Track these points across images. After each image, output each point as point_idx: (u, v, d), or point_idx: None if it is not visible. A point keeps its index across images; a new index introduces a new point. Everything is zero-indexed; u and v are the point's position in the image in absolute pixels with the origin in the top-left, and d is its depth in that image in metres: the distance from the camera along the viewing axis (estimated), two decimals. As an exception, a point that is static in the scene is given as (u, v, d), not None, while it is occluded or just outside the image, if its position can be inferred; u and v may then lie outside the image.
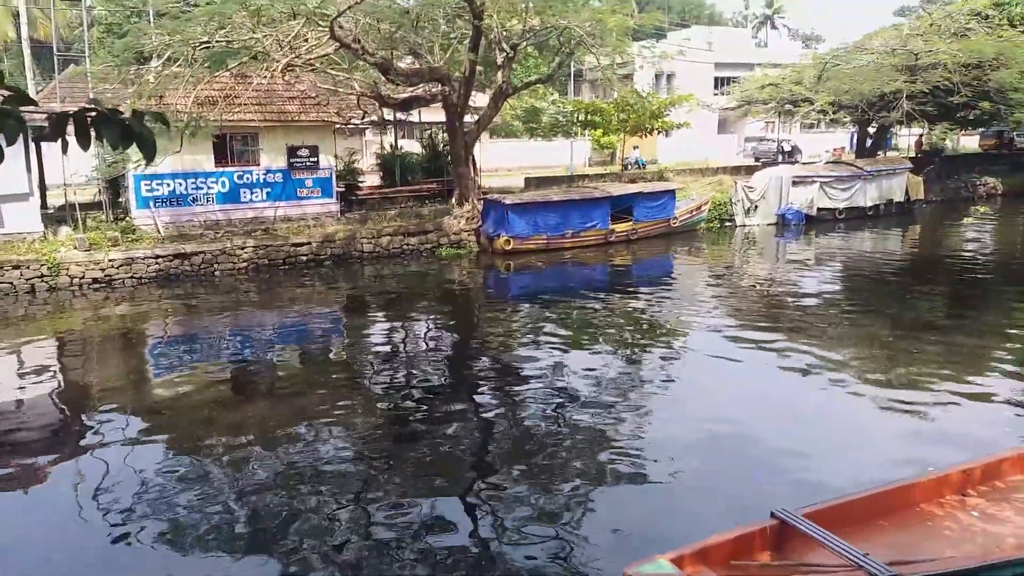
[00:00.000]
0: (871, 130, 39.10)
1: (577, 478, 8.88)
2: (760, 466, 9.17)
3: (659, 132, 35.48)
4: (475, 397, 12.09)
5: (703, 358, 13.95)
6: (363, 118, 28.56)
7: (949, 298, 18.83)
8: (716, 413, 10.85)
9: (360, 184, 28.55)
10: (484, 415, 11.22)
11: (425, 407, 11.65)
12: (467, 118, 26.39)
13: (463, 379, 13.23)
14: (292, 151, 24.23)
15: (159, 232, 21.78)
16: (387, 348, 15.43)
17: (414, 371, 13.51)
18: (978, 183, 39.63)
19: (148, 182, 22.26)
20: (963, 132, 48.62)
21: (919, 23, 36.48)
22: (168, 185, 22.61)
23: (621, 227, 25.49)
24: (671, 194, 26.95)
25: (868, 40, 35.61)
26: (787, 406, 11.36)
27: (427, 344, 15.70)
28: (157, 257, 20.21)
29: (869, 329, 15.72)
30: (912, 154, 41.58)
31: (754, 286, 20.59)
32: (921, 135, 46.03)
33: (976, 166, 41.88)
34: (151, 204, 22.39)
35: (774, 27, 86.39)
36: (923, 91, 31.12)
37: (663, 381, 12.48)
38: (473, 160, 26.09)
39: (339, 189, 25.75)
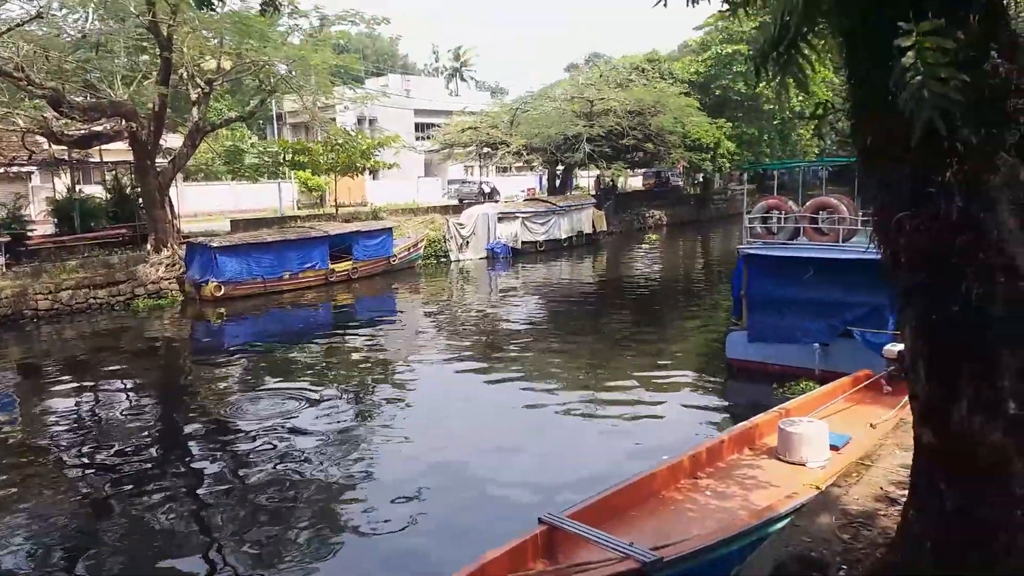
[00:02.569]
0: (559, 170, 43.05)
1: (314, 535, 8.20)
2: (504, 483, 9.32)
3: (369, 172, 35.61)
4: (189, 463, 10.69)
5: (431, 392, 13.91)
6: (30, 158, 24.76)
7: (635, 316, 21.14)
8: (452, 443, 10.81)
9: (30, 233, 24.56)
10: (200, 481, 9.92)
11: (129, 481, 9.97)
12: (160, 158, 24.18)
13: (173, 444, 11.60)
14: (-66, 196, 20.14)
15: None
16: (75, 420, 12.88)
17: (112, 442, 11.54)
18: (647, 216, 45.59)
19: None
20: (631, 172, 55.67)
21: (591, 74, 41.23)
22: None
23: (341, 266, 24.99)
24: (388, 232, 27.12)
25: (551, 89, 39.39)
26: (517, 426, 11.70)
27: (127, 410, 13.50)
28: None
29: (575, 348, 16.99)
30: (593, 192, 46.53)
31: (472, 317, 21.27)
32: (599, 175, 51.72)
33: (644, 201, 48.21)
34: None
35: (463, 79, 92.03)
36: (599, 134, 35.10)
37: (393, 419, 12.13)
38: (170, 202, 23.94)
39: (3, 240, 21.89)
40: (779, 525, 6.25)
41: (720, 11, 4.53)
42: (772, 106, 43.15)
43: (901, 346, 10.19)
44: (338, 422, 11.93)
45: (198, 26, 20.82)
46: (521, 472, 9.69)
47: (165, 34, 20.13)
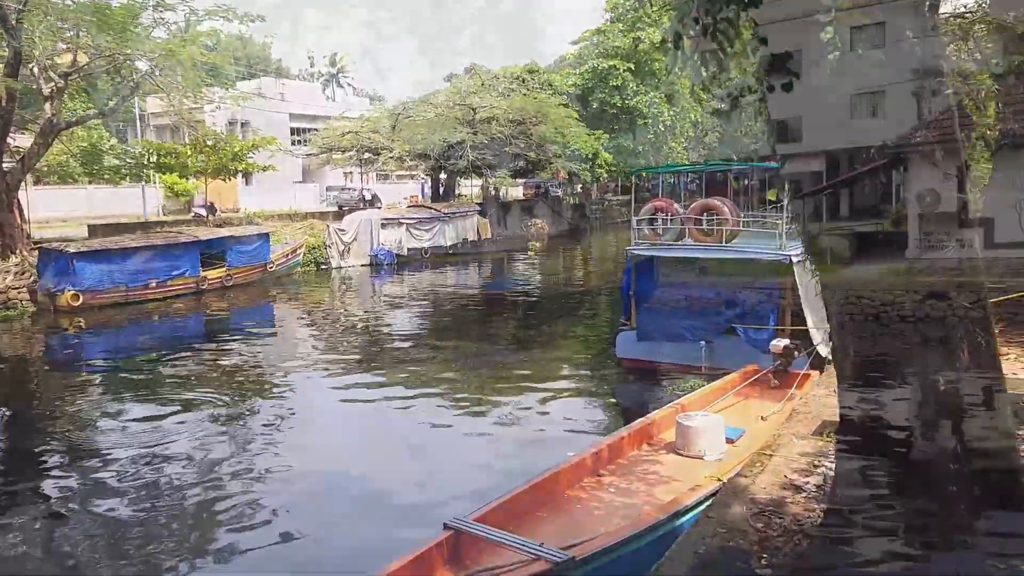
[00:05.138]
0: (442, 177, 42.80)
1: (187, 567, 7.49)
2: (398, 492, 8.91)
3: (241, 176, 34.01)
4: (40, 490, 9.52)
5: (312, 406, 13.20)
6: None
7: (523, 320, 21.19)
8: (337, 457, 10.28)
9: None
10: (53, 511, 8.84)
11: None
12: (7, 158, 22.11)
13: (22, 471, 10.38)
14: None
15: None
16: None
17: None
18: (529, 224, 46.03)
19: None
20: (514, 182, 56.18)
21: (473, 82, 41.27)
22: None
23: (214, 274, 23.63)
24: (265, 238, 25.92)
25: (433, 96, 39.12)
26: (407, 435, 11.25)
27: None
28: None
29: (464, 353, 16.66)
30: (479, 200, 46.58)
31: (354, 327, 20.58)
32: (484, 182, 51.83)
33: (526, 210, 48.68)
34: None
35: (340, 85, 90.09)
36: (483, 142, 35.16)
37: (272, 436, 11.33)
38: (19, 205, 21.89)
39: None
40: (686, 518, 6.26)
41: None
42: (646, 120, 44.86)
43: (786, 341, 10.67)
44: (210, 441, 11.00)
45: (52, 14, 19.19)
46: (416, 481, 9.31)
47: (13, 22, 18.41)
